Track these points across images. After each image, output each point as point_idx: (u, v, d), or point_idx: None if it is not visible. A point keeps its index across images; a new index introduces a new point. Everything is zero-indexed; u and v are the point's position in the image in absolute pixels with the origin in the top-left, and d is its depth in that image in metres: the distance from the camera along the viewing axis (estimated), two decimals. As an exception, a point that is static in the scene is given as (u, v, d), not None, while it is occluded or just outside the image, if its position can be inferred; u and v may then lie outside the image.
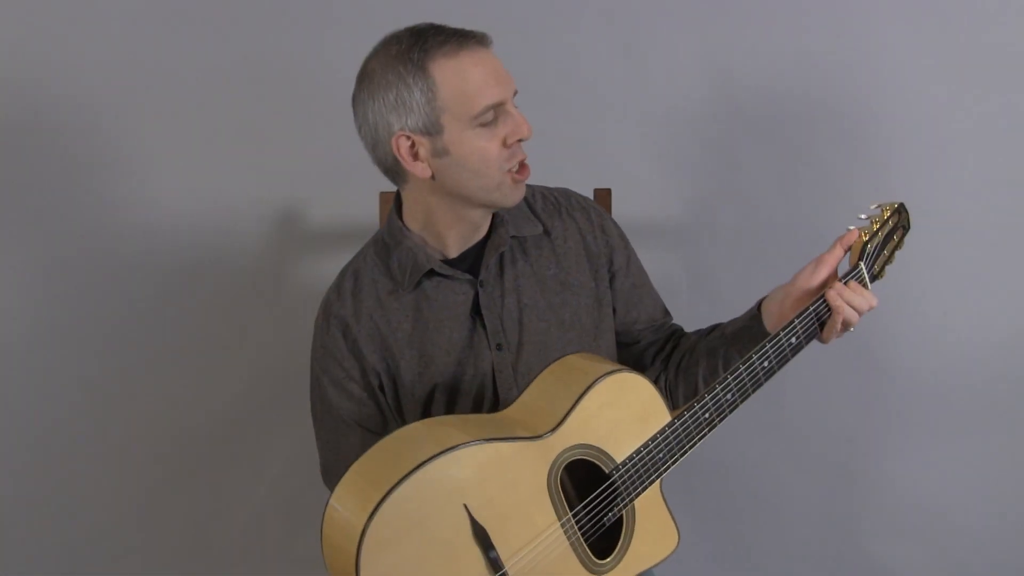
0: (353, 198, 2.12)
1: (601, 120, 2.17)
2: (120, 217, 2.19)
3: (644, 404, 1.47)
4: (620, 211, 1.95)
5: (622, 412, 1.45)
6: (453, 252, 1.56)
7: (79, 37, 2.14)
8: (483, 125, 1.43)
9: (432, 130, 1.44)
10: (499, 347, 1.56)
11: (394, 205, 1.59)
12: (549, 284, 1.59)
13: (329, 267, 1.62)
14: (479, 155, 1.44)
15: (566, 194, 1.67)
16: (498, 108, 1.44)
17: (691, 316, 2.20)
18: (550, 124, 2.11)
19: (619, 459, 1.44)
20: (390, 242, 1.57)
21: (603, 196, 1.93)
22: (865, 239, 1.56)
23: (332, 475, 1.61)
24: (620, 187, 1.97)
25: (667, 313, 1.75)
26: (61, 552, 2.29)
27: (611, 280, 1.65)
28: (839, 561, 2.26)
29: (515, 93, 1.48)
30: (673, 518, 1.51)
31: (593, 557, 1.44)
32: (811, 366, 2.20)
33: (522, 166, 1.48)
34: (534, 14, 2.14)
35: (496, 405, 1.57)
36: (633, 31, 2.14)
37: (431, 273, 1.54)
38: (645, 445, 1.45)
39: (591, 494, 1.44)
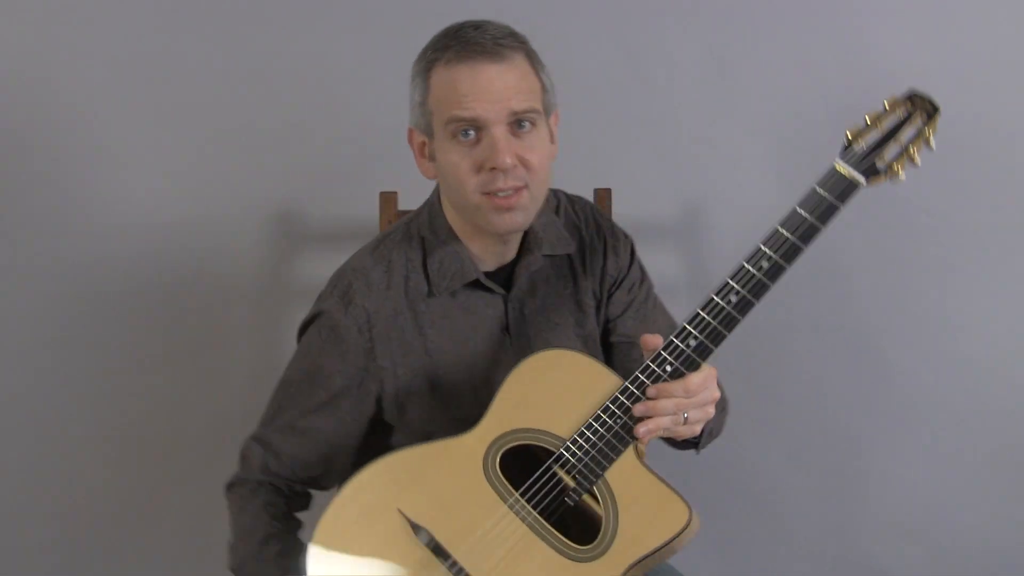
0: (353, 198, 2.11)
1: (601, 120, 2.17)
2: (119, 217, 2.19)
3: (581, 375, 1.38)
4: (620, 211, 1.95)
5: (556, 389, 1.37)
6: (487, 265, 1.51)
7: (76, 37, 2.14)
8: (455, 138, 1.39)
9: (428, 132, 1.44)
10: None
11: (436, 199, 1.53)
12: (569, 303, 1.57)
13: (328, 268, 1.62)
14: (452, 169, 1.40)
15: (585, 213, 1.64)
16: (477, 126, 1.38)
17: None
18: (550, 124, 2.13)
19: (565, 436, 1.35)
20: (432, 240, 1.50)
21: (603, 196, 1.92)
22: (851, 134, 1.39)
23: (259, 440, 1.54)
24: (620, 187, 1.97)
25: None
26: (60, 552, 2.29)
27: (609, 297, 1.61)
28: (839, 561, 2.25)
29: (521, 112, 1.38)
30: (675, 491, 1.36)
31: (567, 541, 1.33)
32: (811, 366, 2.21)
33: (505, 195, 1.39)
34: (534, 14, 2.13)
35: None
36: (633, 31, 2.14)
37: (473, 282, 1.49)
38: (595, 417, 1.34)
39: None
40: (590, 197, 1.92)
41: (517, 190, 1.39)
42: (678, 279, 2.21)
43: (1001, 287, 2.13)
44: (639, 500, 1.34)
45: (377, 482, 1.38)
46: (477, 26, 1.40)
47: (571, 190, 1.93)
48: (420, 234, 1.51)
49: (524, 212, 1.42)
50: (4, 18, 2.13)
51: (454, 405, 1.49)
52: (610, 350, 1.63)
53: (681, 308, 2.19)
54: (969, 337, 2.15)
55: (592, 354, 1.50)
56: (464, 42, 1.38)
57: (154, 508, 2.29)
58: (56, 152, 2.18)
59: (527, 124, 1.40)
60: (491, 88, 1.37)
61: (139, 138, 2.18)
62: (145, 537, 2.29)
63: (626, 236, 1.67)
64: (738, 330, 1.35)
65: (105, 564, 2.29)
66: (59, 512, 2.27)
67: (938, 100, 1.39)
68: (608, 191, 1.93)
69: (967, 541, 2.20)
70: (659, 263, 2.20)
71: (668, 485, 1.35)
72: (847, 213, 2.13)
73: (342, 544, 1.35)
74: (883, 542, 2.23)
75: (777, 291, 2.18)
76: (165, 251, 2.20)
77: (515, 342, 1.52)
